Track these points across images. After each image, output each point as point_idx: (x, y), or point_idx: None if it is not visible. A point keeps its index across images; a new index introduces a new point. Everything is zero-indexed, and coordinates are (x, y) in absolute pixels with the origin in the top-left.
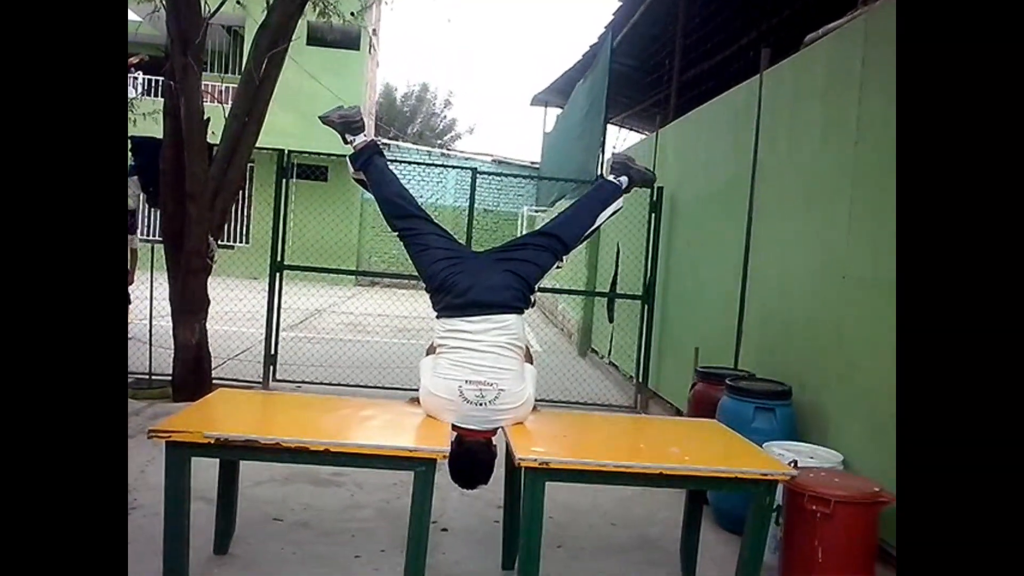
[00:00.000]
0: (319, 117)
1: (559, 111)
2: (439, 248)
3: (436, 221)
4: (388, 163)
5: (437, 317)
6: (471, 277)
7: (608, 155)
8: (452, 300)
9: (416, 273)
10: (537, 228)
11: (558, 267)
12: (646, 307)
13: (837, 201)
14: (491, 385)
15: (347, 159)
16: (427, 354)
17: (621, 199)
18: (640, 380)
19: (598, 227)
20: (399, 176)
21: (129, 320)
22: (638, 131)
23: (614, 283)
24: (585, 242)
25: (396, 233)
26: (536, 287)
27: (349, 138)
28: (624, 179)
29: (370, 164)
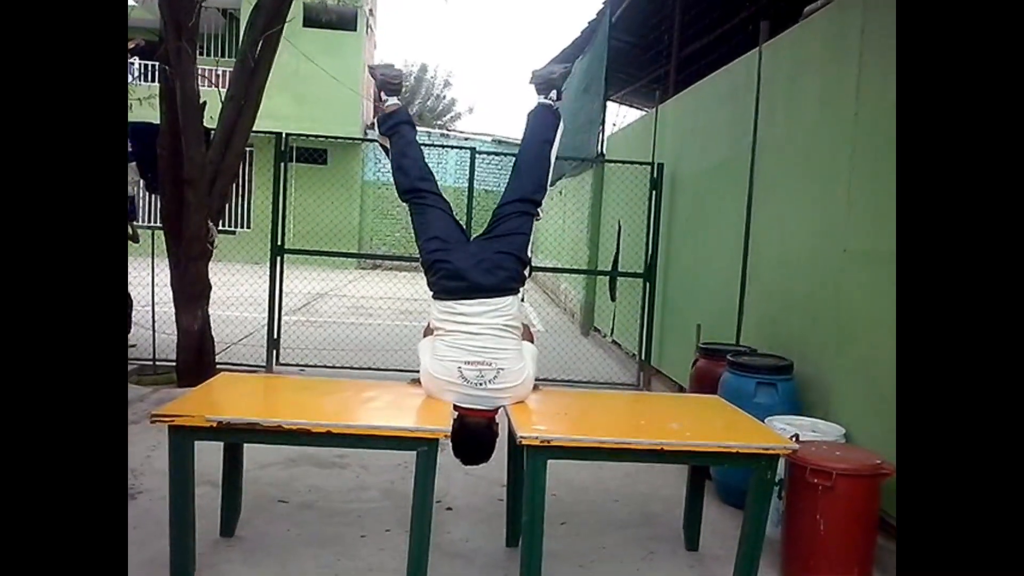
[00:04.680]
0: (368, 66)
1: None
2: (439, 224)
3: (448, 207)
4: (417, 137)
5: (433, 298)
6: (465, 259)
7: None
8: (448, 283)
9: (418, 255)
10: (503, 197)
11: (537, 220)
12: (648, 285)
13: (837, 173)
14: (490, 365)
15: (375, 120)
16: (424, 335)
17: (561, 121)
18: (643, 358)
19: (554, 162)
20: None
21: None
22: (638, 108)
23: (616, 261)
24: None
25: (404, 201)
26: (529, 255)
27: (384, 97)
28: (554, 94)
29: (396, 132)
